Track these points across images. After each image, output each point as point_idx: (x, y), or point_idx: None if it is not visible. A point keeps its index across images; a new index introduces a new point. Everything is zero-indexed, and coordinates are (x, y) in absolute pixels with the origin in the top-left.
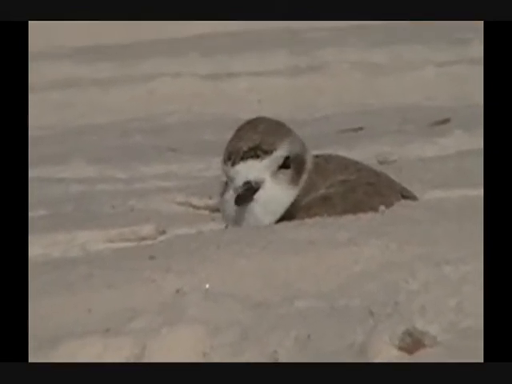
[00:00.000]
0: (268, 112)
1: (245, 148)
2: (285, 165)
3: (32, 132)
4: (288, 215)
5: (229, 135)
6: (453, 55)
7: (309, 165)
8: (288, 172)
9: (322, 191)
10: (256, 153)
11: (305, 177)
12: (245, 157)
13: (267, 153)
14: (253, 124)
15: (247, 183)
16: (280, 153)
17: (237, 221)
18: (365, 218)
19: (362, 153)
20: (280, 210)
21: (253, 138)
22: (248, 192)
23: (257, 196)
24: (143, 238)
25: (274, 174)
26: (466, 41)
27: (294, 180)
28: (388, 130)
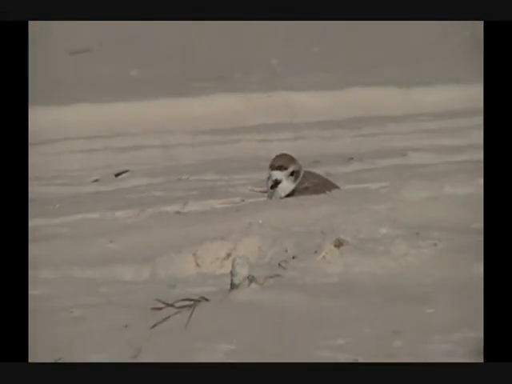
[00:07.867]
0: None
1: (276, 165)
2: (291, 174)
3: None
4: (291, 194)
5: None
6: None
7: (301, 175)
8: (292, 177)
9: (305, 185)
10: (281, 168)
11: (298, 180)
12: (276, 168)
13: (286, 168)
14: (281, 156)
15: (276, 180)
16: (290, 170)
17: (270, 196)
18: (318, 197)
19: None
20: (287, 192)
21: (280, 162)
22: (275, 184)
23: (279, 186)
24: None
25: (287, 178)
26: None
27: (294, 181)
28: None
